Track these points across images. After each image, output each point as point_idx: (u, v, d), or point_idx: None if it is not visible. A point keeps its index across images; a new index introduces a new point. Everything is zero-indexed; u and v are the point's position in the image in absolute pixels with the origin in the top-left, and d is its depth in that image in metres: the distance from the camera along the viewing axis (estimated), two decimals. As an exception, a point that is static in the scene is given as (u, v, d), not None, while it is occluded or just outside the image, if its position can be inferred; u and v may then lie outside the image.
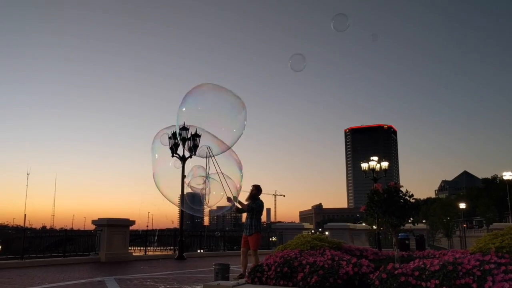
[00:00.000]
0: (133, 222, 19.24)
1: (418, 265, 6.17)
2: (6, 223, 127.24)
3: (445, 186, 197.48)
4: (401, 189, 7.67)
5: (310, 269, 6.84)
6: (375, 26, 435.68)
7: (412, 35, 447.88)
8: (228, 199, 9.55)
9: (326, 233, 25.62)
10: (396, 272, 6.11)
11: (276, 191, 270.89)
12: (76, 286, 9.84)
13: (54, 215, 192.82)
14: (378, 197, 7.52)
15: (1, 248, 17.58)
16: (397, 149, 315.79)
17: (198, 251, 23.87)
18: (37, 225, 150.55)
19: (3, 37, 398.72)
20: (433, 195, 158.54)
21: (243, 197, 10.01)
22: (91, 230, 19.44)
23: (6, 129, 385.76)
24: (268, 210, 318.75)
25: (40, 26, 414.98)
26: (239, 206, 9.96)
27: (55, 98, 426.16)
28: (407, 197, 7.59)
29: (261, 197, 10.32)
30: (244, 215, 10.27)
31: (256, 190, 10.12)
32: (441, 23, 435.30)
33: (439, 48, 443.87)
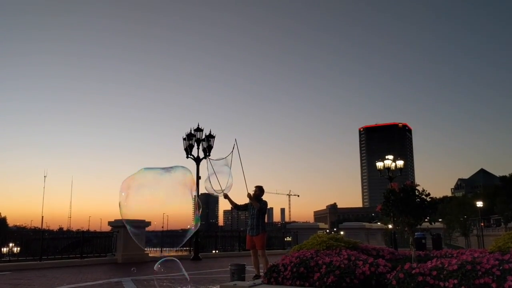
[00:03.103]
0: (149, 223, 19.33)
1: (435, 265, 6.10)
2: (24, 225, 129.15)
3: (461, 184, 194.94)
4: (418, 188, 7.60)
5: (326, 269, 6.81)
6: (390, 24, 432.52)
7: (426, 32, 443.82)
8: (225, 195, 9.50)
9: (341, 232, 25.48)
10: (413, 271, 6.05)
11: (290, 191, 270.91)
12: (94, 287, 9.95)
13: (70, 217, 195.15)
14: (395, 196, 7.45)
15: (20, 249, 17.84)
16: (412, 148, 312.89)
17: (213, 251, 23.95)
18: (54, 227, 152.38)
19: (21, 45, 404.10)
20: (449, 194, 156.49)
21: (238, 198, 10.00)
22: (107, 232, 19.64)
23: (24, 134, 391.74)
24: (283, 210, 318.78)
25: (61, 34, 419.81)
26: (232, 204, 9.96)
27: (71, 104, 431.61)
28: (423, 196, 7.51)
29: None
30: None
31: (260, 191, 10.07)
32: (456, 20, 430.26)
33: (454, 45, 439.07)
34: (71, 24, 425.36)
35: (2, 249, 17.21)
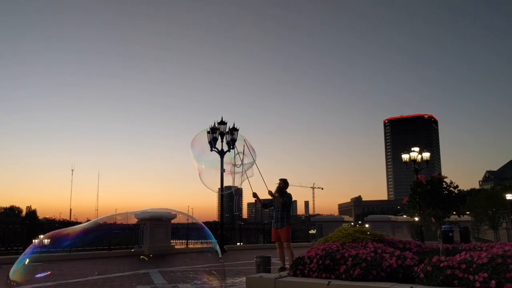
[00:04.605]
0: (174, 216, 19.60)
1: (464, 258, 6.00)
2: (53, 217, 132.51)
3: (490, 176, 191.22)
4: (445, 180, 7.48)
5: (352, 261, 6.78)
6: (415, 13, 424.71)
7: (453, 21, 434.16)
8: (254, 194, 9.76)
9: (366, 225, 25.30)
10: (441, 265, 5.98)
11: (314, 183, 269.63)
12: (122, 278, 10.15)
13: (97, 210, 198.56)
14: (422, 188, 7.36)
15: (49, 241, 18.27)
16: (438, 139, 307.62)
17: (238, 243, 24.09)
18: (82, 219, 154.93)
19: (48, 42, 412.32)
20: (477, 186, 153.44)
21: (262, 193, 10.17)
22: (134, 224, 19.94)
23: (52, 129, 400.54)
24: (307, 203, 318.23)
25: (88, 30, 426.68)
26: (260, 203, 10.22)
27: (98, 98, 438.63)
28: (451, 188, 7.39)
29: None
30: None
31: (284, 184, 10.22)
32: (483, 10, 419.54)
33: (481, 35, 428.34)
34: (99, 22, 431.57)
35: (33, 240, 17.67)
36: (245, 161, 10.17)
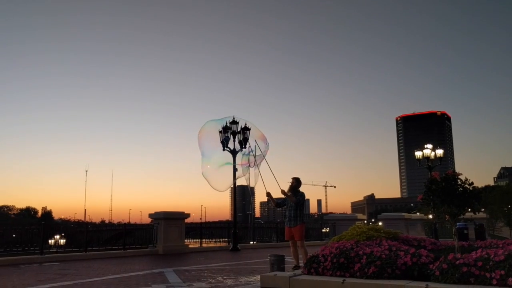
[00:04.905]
0: (188, 215, 19.78)
1: (481, 255, 5.97)
2: (68, 218, 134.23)
3: (504, 173, 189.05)
4: (460, 177, 7.41)
5: (367, 259, 6.77)
6: (428, 10, 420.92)
7: (466, 18, 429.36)
8: (267, 194, 9.84)
9: (380, 223, 25.17)
10: (457, 262, 5.95)
11: (326, 182, 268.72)
12: (138, 277, 10.24)
13: (111, 210, 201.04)
14: (436, 185, 7.31)
15: (65, 241, 18.52)
16: (451, 136, 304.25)
17: (251, 242, 24.14)
18: (97, 220, 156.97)
19: (67, 43, 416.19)
20: (491, 183, 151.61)
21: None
22: (148, 224, 20.10)
23: (66, 131, 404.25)
24: (319, 201, 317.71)
25: (100, 32, 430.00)
26: (274, 202, 10.35)
27: (110, 97, 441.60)
28: (466, 185, 7.33)
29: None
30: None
31: (297, 183, 10.28)
32: (496, 7, 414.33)
33: (493, 32, 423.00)
34: (113, 22, 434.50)
35: (49, 241, 17.91)
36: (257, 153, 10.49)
